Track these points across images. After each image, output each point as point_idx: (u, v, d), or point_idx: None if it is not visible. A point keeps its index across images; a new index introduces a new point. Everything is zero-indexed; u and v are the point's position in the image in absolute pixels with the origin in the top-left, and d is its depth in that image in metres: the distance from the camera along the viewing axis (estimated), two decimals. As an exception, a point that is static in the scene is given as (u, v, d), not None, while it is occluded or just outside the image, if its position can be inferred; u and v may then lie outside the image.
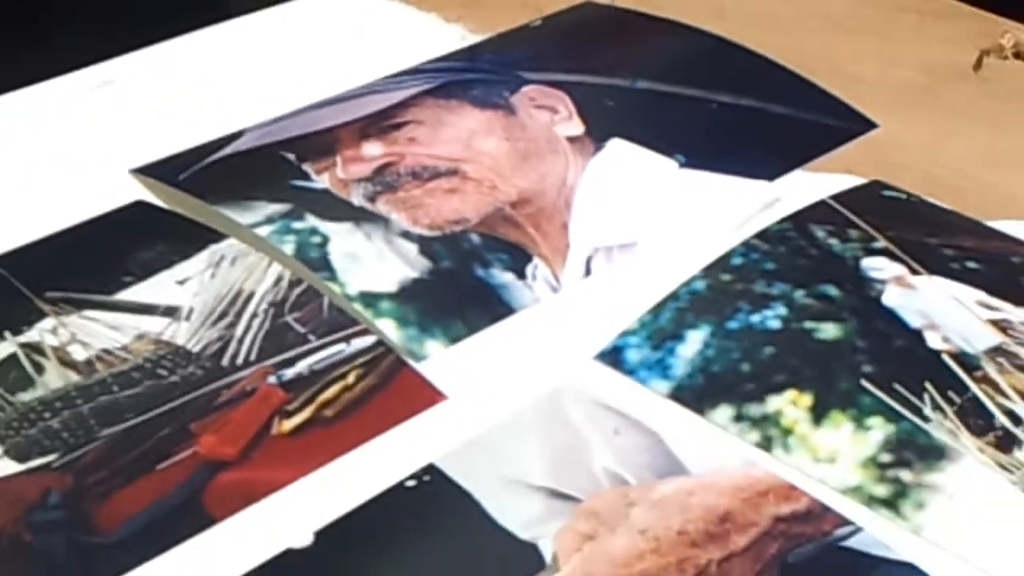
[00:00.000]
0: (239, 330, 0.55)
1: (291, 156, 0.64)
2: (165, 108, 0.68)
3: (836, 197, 0.63)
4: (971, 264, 0.59)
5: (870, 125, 0.68)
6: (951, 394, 0.53)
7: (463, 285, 0.58)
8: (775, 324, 0.56)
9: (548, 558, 0.47)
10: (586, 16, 0.77)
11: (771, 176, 0.64)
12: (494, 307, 0.58)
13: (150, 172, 0.63)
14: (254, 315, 0.56)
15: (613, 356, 0.55)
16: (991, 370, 0.54)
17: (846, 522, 0.48)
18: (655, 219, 0.62)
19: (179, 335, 0.55)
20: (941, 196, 0.63)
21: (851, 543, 0.48)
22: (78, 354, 0.54)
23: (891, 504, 0.49)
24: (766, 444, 0.51)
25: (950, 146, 0.67)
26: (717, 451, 0.51)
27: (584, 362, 0.55)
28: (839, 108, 0.69)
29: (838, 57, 0.74)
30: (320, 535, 0.48)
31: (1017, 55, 0.73)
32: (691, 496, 0.49)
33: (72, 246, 0.60)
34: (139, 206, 0.62)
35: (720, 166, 0.65)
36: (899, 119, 0.69)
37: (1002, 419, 0.52)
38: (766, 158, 0.65)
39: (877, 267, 0.59)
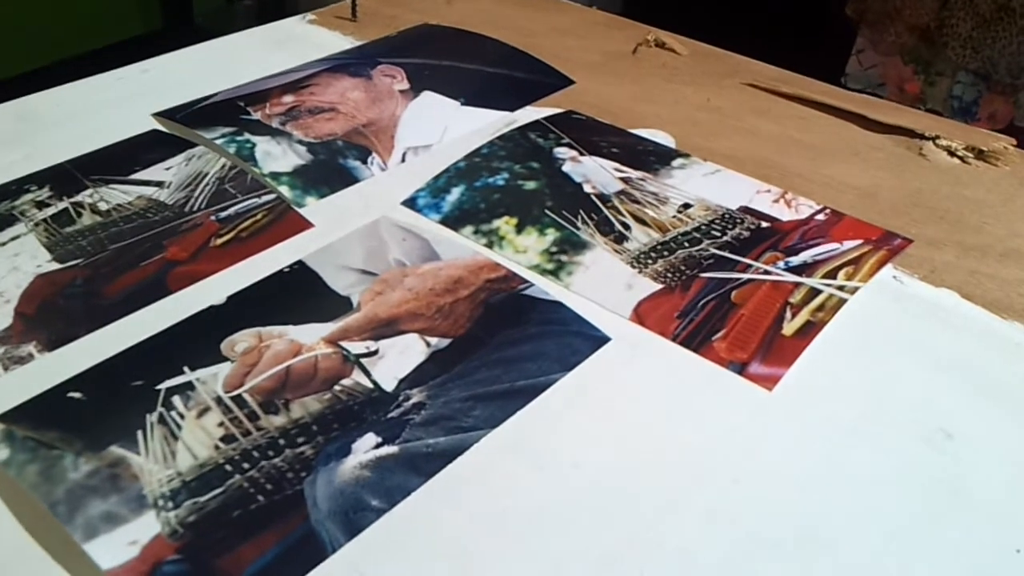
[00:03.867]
0: (196, 192, 0.55)
1: (241, 103, 0.63)
2: (174, 86, 0.67)
3: (546, 118, 0.63)
4: (614, 150, 0.60)
5: (569, 82, 0.68)
6: (593, 215, 0.54)
7: (330, 167, 0.58)
8: (501, 183, 0.57)
9: (355, 305, 0.47)
10: (422, 30, 0.77)
11: (512, 108, 0.64)
12: (347, 178, 0.57)
13: (163, 113, 0.62)
14: (207, 184, 0.55)
15: (410, 202, 0.56)
16: (616, 202, 0.54)
17: (525, 282, 0.49)
18: (444, 132, 0.61)
19: (162, 196, 0.55)
20: (607, 118, 0.64)
21: (527, 292, 0.48)
22: (103, 206, 0.53)
23: (554, 273, 0.50)
24: (489, 245, 0.52)
25: (614, 93, 0.67)
26: (460, 250, 0.51)
27: (394, 206, 0.55)
28: (554, 73, 0.69)
29: (561, 48, 0.74)
30: (231, 298, 0.48)
31: (659, 45, 0.73)
32: (440, 271, 0.49)
33: (112, 152, 0.59)
34: (153, 132, 0.61)
35: (483, 104, 0.65)
36: (589, 80, 0.69)
37: (618, 227, 0.52)
38: (510, 99, 0.66)
39: (561, 152, 0.59)
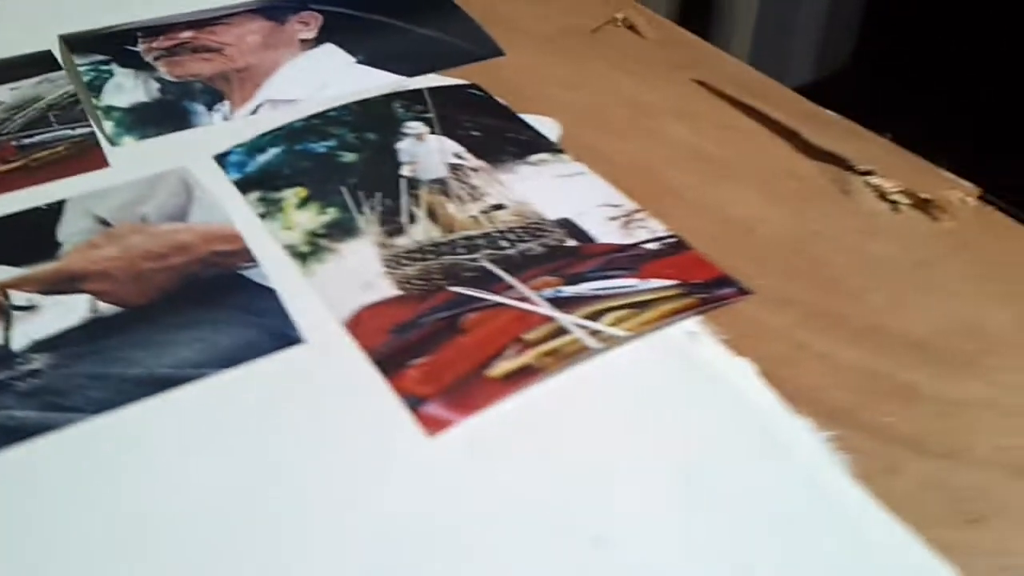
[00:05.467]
0: (17, 116, 0.54)
1: (138, 34, 0.61)
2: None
3: (434, 87, 0.56)
4: (475, 133, 0.53)
5: (498, 53, 0.61)
6: (386, 201, 0.48)
7: (170, 109, 0.55)
8: (321, 150, 0.52)
9: (63, 254, 0.44)
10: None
11: (411, 73, 0.58)
12: (181, 123, 0.54)
13: (67, 36, 0.61)
14: (33, 110, 0.54)
15: (222, 156, 0.51)
16: (423, 190, 0.48)
17: (251, 262, 0.44)
18: (319, 89, 0.57)
19: (-16, 113, 0.53)
20: (514, 99, 0.56)
21: (245, 272, 0.43)
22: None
23: (304, 257, 0.44)
24: (263, 215, 0.47)
25: (542, 73, 0.61)
26: (217, 214, 0.47)
27: (206, 159, 0.51)
28: (486, 42, 0.62)
29: (519, 14, 0.67)
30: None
31: (629, 27, 0.64)
32: (172, 233, 0.45)
33: None
34: (45, 53, 0.60)
35: (380, 65, 0.59)
36: (523, 54, 0.62)
37: (403, 218, 0.46)
38: (414, 63, 0.59)
39: (411, 127, 0.52)
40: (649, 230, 0.46)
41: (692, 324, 0.41)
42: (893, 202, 0.48)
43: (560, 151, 0.52)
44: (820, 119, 0.55)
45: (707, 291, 0.42)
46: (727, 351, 0.40)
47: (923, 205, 0.48)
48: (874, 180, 0.49)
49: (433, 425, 0.36)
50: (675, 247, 0.45)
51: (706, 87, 0.58)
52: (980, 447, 0.36)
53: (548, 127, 0.54)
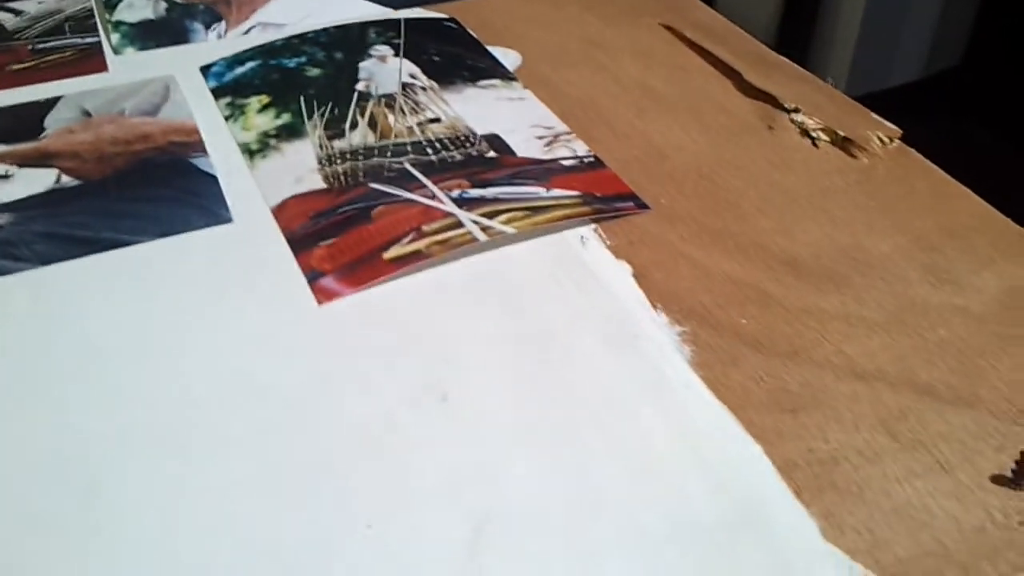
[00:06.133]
0: (37, 25, 0.59)
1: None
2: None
3: (412, 19, 0.60)
4: (436, 58, 0.56)
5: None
6: (335, 110, 0.52)
7: (172, 26, 0.61)
8: (291, 65, 0.56)
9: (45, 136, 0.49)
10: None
11: (396, 5, 0.62)
12: (180, 39, 0.59)
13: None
14: (53, 21, 0.60)
15: (205, 68, 0.56)
16: (371, 103, 0.52)
17: (202, 151, 0.48)
18: (307, 16, 0.61)
19: (8, 21, 0.59)
20: (487, 34, 0.60)
21: (194, 160, 0.48)
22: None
23: (252, 153, 0.49)
24: (228, 117, 0.52)
25: (518, 11, 0.64)
26: (190, 112, 0.52)
27: (193, 69, 0.56)
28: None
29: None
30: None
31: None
32: (138, 125, 0.50)
33: None
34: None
35: (369, -3, 0.63)
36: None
37: (346, 125, 0.50)
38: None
39: (379, 50, 0.57)
40: (571, 150, 0.49)
41: (586, 231, 0.44)
42: (813, 138, 0.50)
43: (513, 79, 0.55)
44: (768, 62, 0.57)
45: (606, 203, 0.45)
46: (610, 255, 0.43)
47: (842, 143, 0.49)
48: (799, 118, 0.51)
49: (324, 295, 0.40)
50: (591, 165, 0.48)
51: (671, 31, 0.61)
52: (820, 351, 0.38)
53: (510, 58, 0.58)
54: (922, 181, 0.47)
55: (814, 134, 0.50)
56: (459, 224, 0.43)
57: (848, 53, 1.54)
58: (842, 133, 0.49)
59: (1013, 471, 0.33)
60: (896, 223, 0.45)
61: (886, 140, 0.49)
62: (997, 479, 0.33)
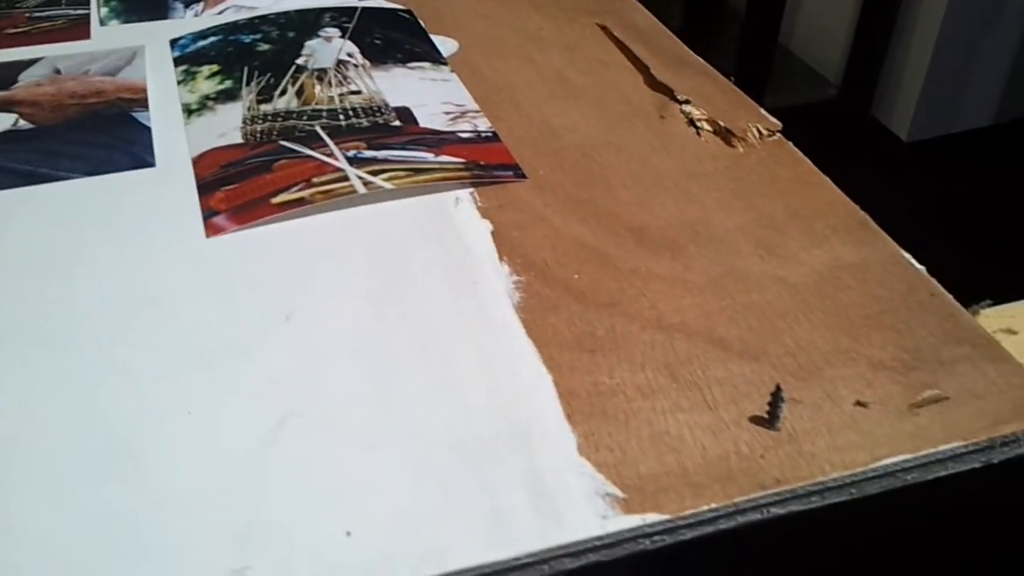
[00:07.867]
0: (36, -5, 0.66)
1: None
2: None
3: (368, 8, 0.66)
4: (377, 41, 0.61)
5: (442, -11, 0.69)
6: (271, 79, 0.57)
7: (155, 3, 0.67)
8: (247, 41, 0.62)
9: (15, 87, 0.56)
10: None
11: (360, -2, 0.67)
12: (159, 15, 0.66)
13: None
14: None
15: (174, 41, 0.62)
16: (305, 75, 0.57)
17: (143, 107, 0.54)
18: (281, 1, 0.66)
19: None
20: (435, 24, 0.65)
21: (135, 114, 0.54)
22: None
23: (190, 112, 0.55)
24: (180, 81, 0.58)
25: (466, 5, 0.67)
26: (144, 74, 0.58)
27: (163, 41, 0.62)
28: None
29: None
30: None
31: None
32: (96, 82, 0.56)
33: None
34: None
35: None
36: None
37: (276, 92, 0.55)
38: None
39: (327, 32, 0.62)
40: (472, 125, 0.54)
41: (463, 193, 0.49)
42: (697, 128, 0.53)
43: (443, 63, 0.60)
44: (683, 61, 0.60)
45: (486, 171, 0.50)
46: (478, 214, 0.47)
47: (724, 133, 0.53)
48: (687, 108, 0.54)
49: (213, 230, 0.46)
50: (486, 139, 0.52)
51: (605, 31, 0.65)
52: (636, 305, 0.42)
53: (447, 46, 0.63)
54: (788, 170, 0.51)
55: (699, 124, 0.53)
56: (345, 179, 0.48)
57: (914, 95, 1.55)
58: (723, 124, 0.53)
59: (767, 412, 0.36)
60: (747, 204, 0.48)
61: (765, 132, 0.53)
62: (755, 419, 0.37)
